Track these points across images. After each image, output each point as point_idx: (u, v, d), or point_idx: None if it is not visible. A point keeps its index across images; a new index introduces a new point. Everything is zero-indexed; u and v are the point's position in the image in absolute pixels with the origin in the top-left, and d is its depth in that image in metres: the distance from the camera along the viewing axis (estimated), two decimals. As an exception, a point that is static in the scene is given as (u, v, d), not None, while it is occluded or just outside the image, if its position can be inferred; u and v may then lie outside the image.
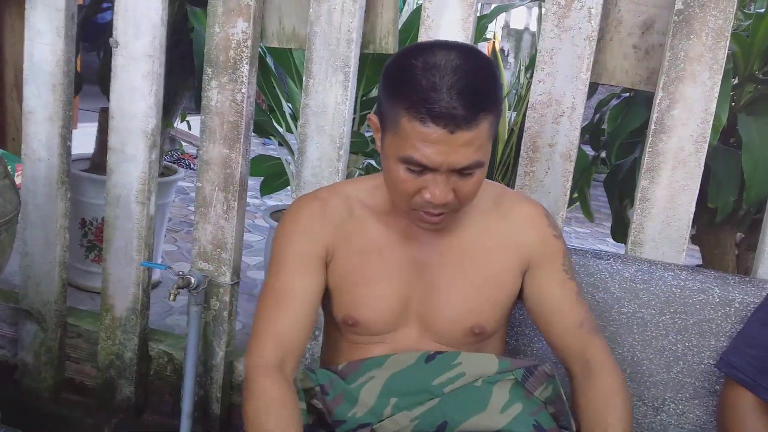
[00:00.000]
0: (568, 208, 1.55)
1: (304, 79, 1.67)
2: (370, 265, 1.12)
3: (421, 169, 0.97)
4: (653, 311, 1.36)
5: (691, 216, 1.47)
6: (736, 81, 1.83)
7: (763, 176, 1.61)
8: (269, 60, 2.43)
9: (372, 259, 1.12)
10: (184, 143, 5.02)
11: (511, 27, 8.16)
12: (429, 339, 1.14)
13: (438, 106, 0.93)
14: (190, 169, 4.67)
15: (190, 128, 3.41)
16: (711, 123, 1.41)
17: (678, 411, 1.35)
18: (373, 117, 1.06)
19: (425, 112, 0.93)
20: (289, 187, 2.48)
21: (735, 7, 1.38)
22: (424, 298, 1.13)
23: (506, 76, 2.56)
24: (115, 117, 1.81)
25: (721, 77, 1.40)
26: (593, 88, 2.00)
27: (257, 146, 5.67)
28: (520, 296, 1.19)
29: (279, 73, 2.50)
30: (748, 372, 1.20)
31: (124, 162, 1.82)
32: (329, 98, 1.65)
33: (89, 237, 2.61)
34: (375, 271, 1.12)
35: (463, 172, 0.98)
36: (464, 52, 0.97)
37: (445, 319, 1.13)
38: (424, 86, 0.94)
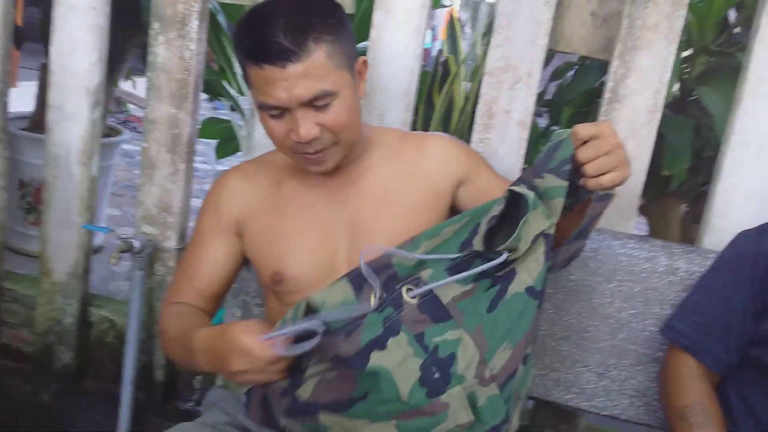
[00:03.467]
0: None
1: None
2: (291, 221, 1.14)
3: (278, 111, 1.02)
4: (600, 279, 1.37)
5: (641, 186, 1.48)
6: (690, 52, 1.85)
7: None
8: (221, 18, 2.35)
9: (292, 217, 1.15)
10: (130, 105, 4.86)
11: (468, -4, 8.12)
12: None
13: (265, 46, 0.97)
14: (136, 131, 4.54)
15: (135, 87, 3.30)
16: (665, 93, 1.42)
17: (621, 377, 1.37)
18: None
19: (256, 55, 0.98)
20: (239, 152, 2.42)
21: (692, -24, 1.38)
22: (351, 245, 1.13)
23: (463, 46, 2.54)
24: (55, 72, 1.72)
25: (676, 47, 1.40)
26: (548, 56, 2.00)
27: (208, 110, 5.54)
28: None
29: (232, 32, 2.42)
30: (690, 337, 1.22)
31: (65, 120, 1.74)
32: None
33: (28, 199, 2.51)
34: (296, 226, 1.14)
35: (315, 105, 1.01)
36: None
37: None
38: (252, 32, 0.99)
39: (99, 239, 2.75)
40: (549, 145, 0.97)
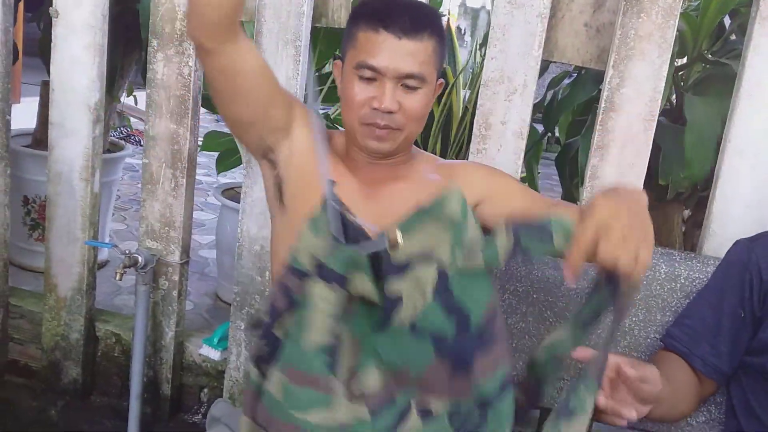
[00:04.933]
0: (532, 188, 1.55)
1: (253, 52, 1.62)
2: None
3: (372, 75, 1.08)
4: (601, 287, 1.37)
5: (640, 193, 1.48)
6: (684, 61, 1.86)
7: (705, 155, 1.64)
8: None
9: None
10: (133, 119, 4.89)
11: (468, 5, 8.14)
12: None
13: (390, 16, 1.07)
14: (140, 145, 4.55)
15: (136, 103, 3.32)
16: (660, 101, 1.43)
17: (625, 385, 1.37)
18: (337, 62, 1.17)
19: (377, 21, 1.08)
20: (241, 165, 2.44)
21: (684, -15, 1.39)
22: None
23: (462, 55, 2.55)
24: (56, 90, 1.74)
25: (669, 56, 1.41)
26: (544, 66, 2.01)
27: (210, 123, 5.56)
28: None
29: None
30: (683, 341, 1.23)
31: (66, 137, 1.76)
32: (280, 72, 1.61)
33: (32, 215, 2.53)
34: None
35: (408, 84, 1.09)
36: None
37: None
38: (378, 6, 1.10)
39: (104, 254, 2.76)
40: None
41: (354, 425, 0.82)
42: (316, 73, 2.33)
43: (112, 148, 2.73)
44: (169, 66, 1.66)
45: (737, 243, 1.26)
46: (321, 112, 2.20)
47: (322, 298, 0.82)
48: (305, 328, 0.81)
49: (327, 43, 2.17)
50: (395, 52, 1.07)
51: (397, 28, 1.07)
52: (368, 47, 1.08)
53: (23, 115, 2.89)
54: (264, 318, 0.89)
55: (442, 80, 1.18)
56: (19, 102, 4.71)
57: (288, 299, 0.86)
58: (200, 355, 1.87)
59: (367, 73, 1.08)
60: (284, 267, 0.88)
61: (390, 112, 1.09)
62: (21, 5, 3.85)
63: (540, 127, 2.21)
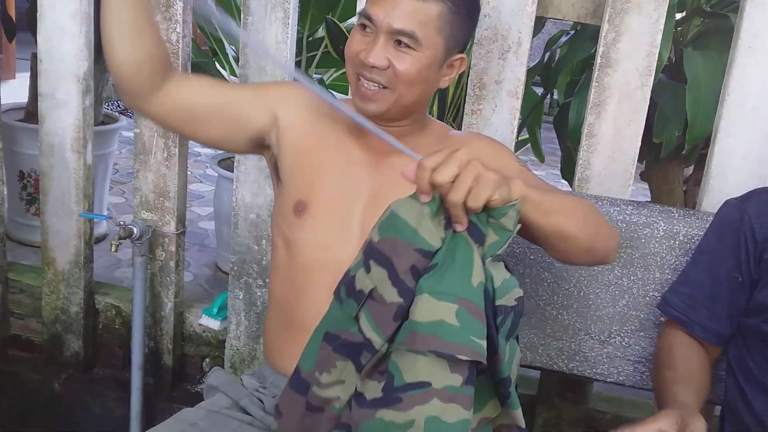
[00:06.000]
0: (518, 150, 1.53)
1: (242, 17, 1.60)
2: (325, 160, 1.15)
3: (369, 25, 1.06)
4: (599, 246, 1.36)
5: (637, 151, 1.47)
6: (683, 14, 1.82)
7: (706, 113, 1.60)
8: (210, 1, 2.33)
9: (327, 157, 1.15)
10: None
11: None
12: None
13: None
14: (137, 118, 4.52)
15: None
16: (656, 56, 1.40)
17: (624, 343, 1.37)
18: None
19: None
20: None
21: (681, -65, 1.35)
22: (365, 211, 1.13)
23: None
24: (44, 60, 1.72)
25: (666, 8, 1.37)
26: (540, 23, 1.97)
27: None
28: None
29: (220, 13, 2.40)
30: (680, 308, 1.22)
31: (56, 108, 1.74)
32: (269, 37, 1.58)
33: (29, 189, 2.52)
34: (329, 168, 1.15)
35: (398, 40, 1.05)
36: None
37: None
38: None
39: (102, 227, 2.76)
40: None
41: None
42: (309, 38, 2.30)
43: (107, 120, 2.71)
44: (157, 33, 1.63)
45: (727, 204, 1.24)
46: (315, 78, 2.17)
47: (471, 245, 0.83)
48: (470, 267, 0.82)
49: (318, 6, 2.13)
50: (394, 5, 1.04)
51: None
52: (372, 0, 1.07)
53: (21, 90, 2.86)
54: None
55: (463, 55, 1.12)
56: (14, 78, 4.67)
57: (417, 275, 0.84)
58: (200, 325, 1.87)
59: (364, 21, 1.06)
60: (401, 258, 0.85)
61: (374, 67, 1.06)
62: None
63: (540, 90, 2.18)
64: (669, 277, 1.33)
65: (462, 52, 1.12)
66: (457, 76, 1.16)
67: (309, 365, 0.93)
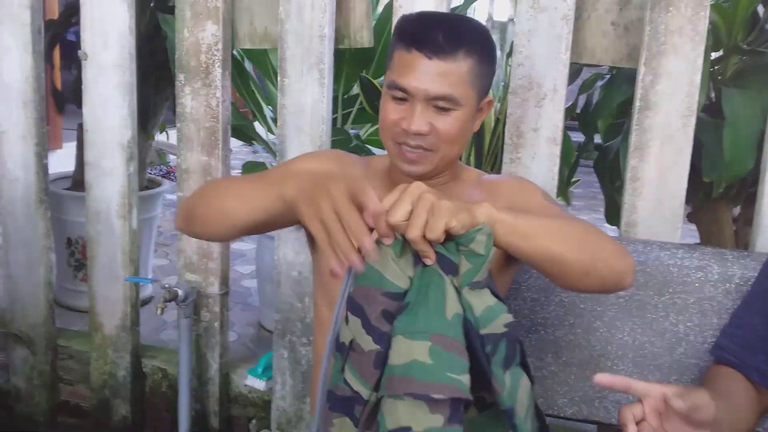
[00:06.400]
0: (561, 195, 1.51)
1: (279, 79, 1.63)
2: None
3: (403, 95, 1.06)
4: (651, 292, 1.32)
5: (684, 192, 1.43)
6: (720, 53, 1.80)
7: (746, 151, 1.57)
8: (247, 64, 2.39)
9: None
10: (172, 156, 4.98)
11: (495, 19, 8.10)
12: None
13: (422, 35, 1.04)
14: (179, 181, 4.61)
15: (168, 138, 3.37)
16: (697, 96, 1.38)
17: (683, 393, 1.31)
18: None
19: (411, 39, 1.05)
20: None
21: (713, -25, 1.34)
22: None
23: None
24: (90, 130, 1.77)
25: (703, 48, 1.36)
26: (577, 69, 1.97)
27: (247, 154, 5.63)
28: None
29: (258, 76, 2.46)
30: (734, 352, 1.16)
31: (102, 176, 1.78)
32: (306, 97, 1.61)
33: (76, 256, 2.57)
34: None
35: (439, 105, 1.05)
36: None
37: None
38: (417, 22, 1.07)
39: (148, 290, 2.79)
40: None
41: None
42: (345, 96, 2.33)
43: (150, 185, 2.77)
44: (197, 99, 1.68)
45: None
46: (352, 133, 2.19)
47: (443, 277, 0.83)
48: (442, 301, 0.82)
49: (352, 65, 2.17)
50: (425, 73, 1.03)
51: (428, 47, 1.03)
52: (400, 67, 1.06)
53: (67, 160, 2.96)
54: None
55: (491, 98, 1.14)
56: (61, 148, 4.84)
57: (390, 318, 0.85)
58: (246, 385, 1.86)
59: (399, 94, 1.06)
60: (371, 304, 0.85)
61: (419, 134, 1.06)
62: (57, 53, 3.97)
63: (574, 135, 2.16)
64: (727, 322, 1.28)
65: (488, 94, 1.13)
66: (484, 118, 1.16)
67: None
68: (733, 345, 1.17)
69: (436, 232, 0.81)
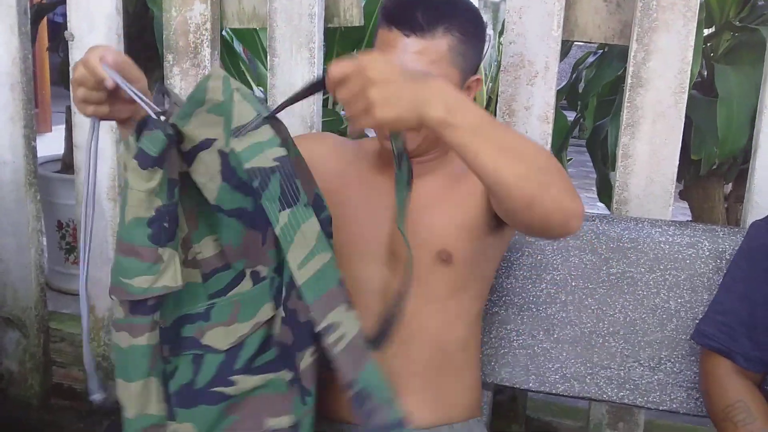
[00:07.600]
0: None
1: (268, 58, 1.61)
2: (349, 193, 1.16)
3: None
4: (643, 269, 1.32)
5: (675, 170, 1.43)
6: (713, 30, 1.79)
7: (739, 128, 1.57)
8: (236, 44, 2.37)
9: (351, 189, 1.17)
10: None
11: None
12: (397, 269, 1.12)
13: (401, 13, 1.04)
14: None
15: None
16: (689, 73, 1.37)
17: (675, 369, 1.32)
18: None
19: (390, 17, 1.04)
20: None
21: (706, -50, 1.33)
22: (392, 226, 1.13)
23: (486, 48, 2.51)
24: (77, 112, 1.75)
25: (695, 25, 1.35)
26: (566, 48, 1.96)
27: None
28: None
29: (248, 56, 2.44)
30: (720, 339, 1.17)
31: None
32: (296, 77, 1.59)
33: (67, 239, 2.56)
34: (351, 198, 1.16)
35: None
36: None
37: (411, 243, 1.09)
38: (396, 1, 1.06)
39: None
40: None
41: (186, 287, 0.91)
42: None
43: (140, 167, 2.75)
44: (186, 79, 1.66)
45: (754, 226, 1.20)
46: (342, 114, 2.18)
47: (134, 176, 0.87)
48: (125, 204, 0.88)
49: (343, 44, 2.15)
50: (403, 50, 1.03)
51: (406, 25, 1.02)
52: (381, 45, 1.06)
53: (57, 143, 2.94)
54: None
55: (478, 76, 1.12)
56: (50, 131, 4.81)
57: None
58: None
59: None
60: None
61: None
62: (44, 35, 3.93)
63: (566, 112, 2.16)
64: (708, 307, 1.28)
65: (476, 73, 1.12)
66: (473, 97, 1.15)
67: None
68: (719, 333, 1.18)
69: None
